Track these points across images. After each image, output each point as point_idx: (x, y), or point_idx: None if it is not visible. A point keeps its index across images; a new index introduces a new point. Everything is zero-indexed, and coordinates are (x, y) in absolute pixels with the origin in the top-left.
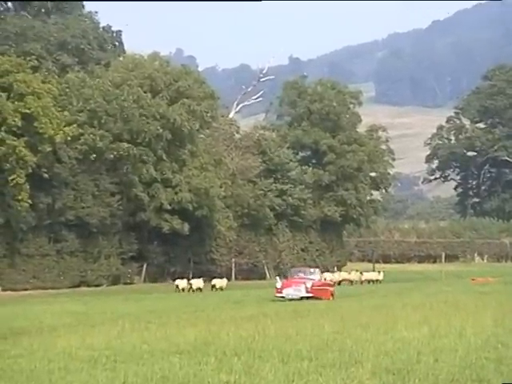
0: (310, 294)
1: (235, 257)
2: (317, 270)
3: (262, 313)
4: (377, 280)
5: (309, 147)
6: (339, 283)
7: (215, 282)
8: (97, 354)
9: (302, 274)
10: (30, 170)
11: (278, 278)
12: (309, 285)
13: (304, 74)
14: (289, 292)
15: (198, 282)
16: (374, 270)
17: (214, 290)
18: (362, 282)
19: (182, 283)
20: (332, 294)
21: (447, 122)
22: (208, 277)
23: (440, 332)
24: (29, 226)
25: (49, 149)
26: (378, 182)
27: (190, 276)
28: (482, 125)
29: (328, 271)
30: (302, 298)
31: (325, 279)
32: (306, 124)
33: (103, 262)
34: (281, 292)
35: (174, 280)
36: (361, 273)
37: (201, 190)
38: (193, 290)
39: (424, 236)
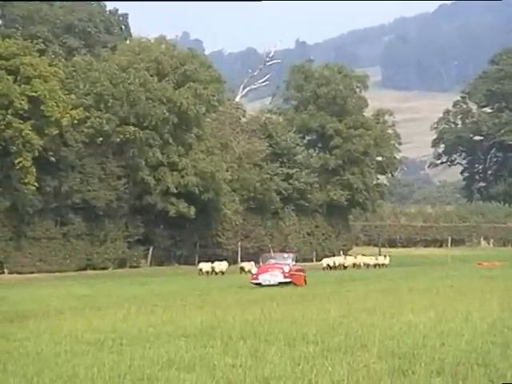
0: (288, 280)
1: (241, 240)
2: (291, 254)
3: (267, 296)
4: (383, 264)
5: (315, 131)
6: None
7: (244, 264)
8: (103, 337)
9: (274, 260)
10: (37, 153)
11: (253, 263)
12: (286, 269)
13: (310, 58)
14: (265, 278)
15: (221, 265)
16: (380, 255)
17: (242, 272)
18: (368, 266)
19: (205, 266)
20: (305, 280)
21: (454, 106)
22: (214, 260)
23: (446, 316)
24: (35, 209)
25: (55, 132)
26: (385, 166)
27: (197, 260)
28: (488, 109)
29: (334, 255)
30: (279, 284)
31: (330, 263)
32: (313, 108)
33: (109, 245)
34: (257, 278)
35: (179, 263)
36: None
37: (207, 174)
38: (216, 273)
39: (430, 220)
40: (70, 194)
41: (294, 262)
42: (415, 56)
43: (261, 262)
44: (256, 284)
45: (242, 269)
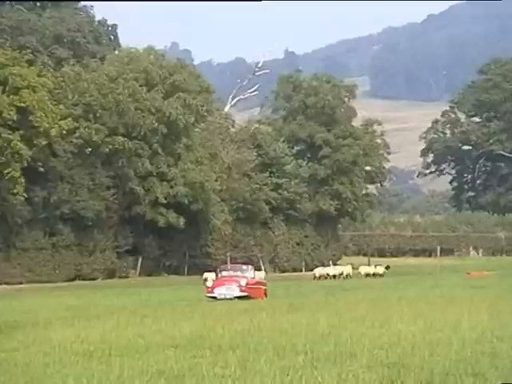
0: (245, 294)
1: (230, 250)
2: (250, 266)
3: (257, 306)
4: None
5: (304, 141)
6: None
7: (208, 275)
8: (92, 348)
9: (232, 272)
10: (26, 164)
11: (206, 276)
12: (243, 283)
13: (299, 68)
14: (221, 291)
15: None
16: (369, 265)
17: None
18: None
19: (210, 276)
20: (265, 293)
21: (442, 115)
22: (202, 271)
23: (435, 326)
24: (24, 219)
25: (44, 142)
26: (374, 175)
27: (186, 270)
28: (477, 119)
29: (323, 265)
30: (235, 298)
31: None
32: (302, 118)
33: (98, 255)
34: (212, 292)
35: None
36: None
37: (196, 184)
38: None
39: (419, 230)
40: (58, 204)
41: (253, 275)
42: (404, 66)
43: (218, 274)
44: (211, 298)
45: (206, 280)
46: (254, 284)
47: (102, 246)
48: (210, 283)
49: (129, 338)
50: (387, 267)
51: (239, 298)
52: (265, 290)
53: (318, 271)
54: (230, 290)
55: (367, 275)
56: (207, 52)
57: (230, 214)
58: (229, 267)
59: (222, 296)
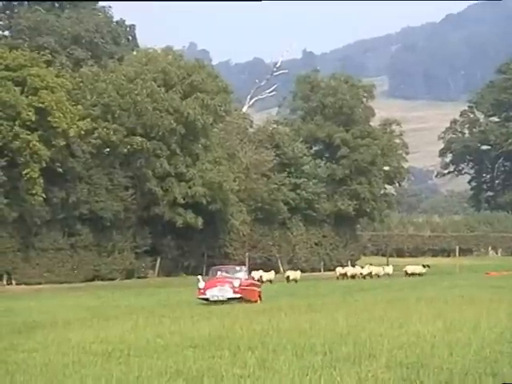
0: (238, 295)
1: (249, 251)
2: (243, 267)
3: (275, 306)
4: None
5: (322, 141)
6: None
7: (289, 273)
8: (111, 348)
9: (224, 273)
10: (44, 165)
11: (200, 277)
12: (236, 284)
13: (317, 68)
14: (213, 293)
15: (268, 275)
16: (387, 265)
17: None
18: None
19: (254, 275)
20: (260, 296)
21: (461, 115)
22: None
23: (454, 326)
24: (43, 220)
25: (62, 143)
26: (392, 175)
27: (204, 270)
28: (495, 118)
29: (342, 265)
30: (228, 300)
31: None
32: (320, 118)
33: (117, 256)
34: (204, 293)
35: (187, 274)
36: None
37: (214, 184)
38: (263, 282)
39: (438, 230)
40: (77, 204)
41: (246, 276)
42: (422, 65)
43: (210, 275)
44: (203, 299)
45: (288, 278)
46: (247, 285)
47: (120, 247)
48: (201, 284)
49: (147, 339)
50: (427, 266)
51: (232, 299)
52: (259, 291)
53: (350, 270)
54: (222, 292)
55: (412, 274)
56: (225, 52)
57: (249, 214)
58: (220, 268)
59: (215, 298)
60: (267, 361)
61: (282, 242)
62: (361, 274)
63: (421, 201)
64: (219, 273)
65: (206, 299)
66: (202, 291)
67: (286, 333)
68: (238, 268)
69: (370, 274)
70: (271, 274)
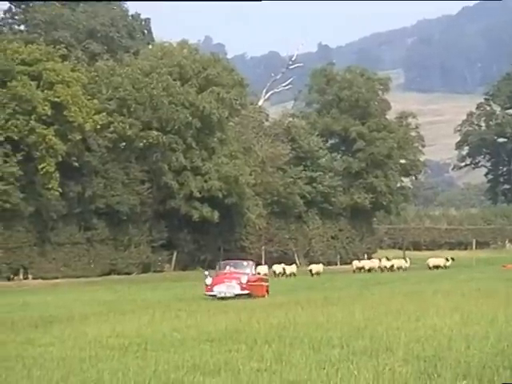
0: (246, 291)
1: (265, 244)
2: (250, 262)
3: (292, 300)
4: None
5: (338, 134)
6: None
7: (312, 266)
8: (127, 342)
9: (232, 268)
10: (60, 159)
11: (207, 273)
12: (244, 280)
13: (332, 61)
14: (221, 289)
15: (291, 268)
16: (404, 258)
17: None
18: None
19: (278, 268)
20: (267, 291)
21: (477, 108)
22: None
23: (471, 319)
24: (59, 214)
25: (78, 137)
26: (408, 168)
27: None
28: None
29: (358, 258)
30: (236, 296)
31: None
32: (335, 111)
33: (133, 250)
34: (211, 290)
35: (203, 268)
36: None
37: (230, 178)
38: (287, 275)
39: (455, 223)
40: (93, 199)
41: (253, 271)
42: (438, 58)
43: (217, 269)
44: (211, 296)
45: (311, 271)
46: (255, 281)
47: (136, 241)
48: (209, 281)
49: (164, 333)
50: (451, 259)
51: (240, 295)
52: (267, 286)
53: (369, 263)
54: (230, 288)
55: (435, 267)
56: (241, 46)
57: (265, 207)
58: (227, 263)
59: (222, 294)
60: (284, 354)
61: (298, 235)
62: (384, 267)
63: (437, 194)
64: (227, 267)
65: (214, 295)
66: (209, 287)
67: (302, 326)
68: (245, 263)
69: (391, 268)
70: (293, 268)
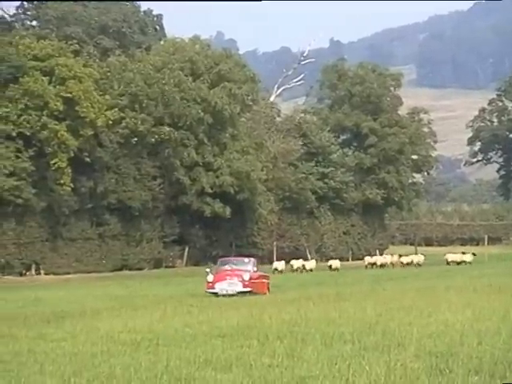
0: (248, 289)
1: (277, 240)
2: (251, 259)
3: (304, 296)
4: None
5: (350, 130)
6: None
7: (331, 262)
8: (139, 338)
9: (233, 266)
10: (72, 154)
11: (208, 270)
12: (246, 277)
13: (344, 57)
14: (223, 287)
15: (310, 264)
16: (416, 253)
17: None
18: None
19: (296, 263)
20: (268, 288)
21: (489, 104)
22: None
23: (483, 315)
24: (71, 209)
25: (90, 133)
26: (420, 164)
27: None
28: None
29: (370, 254)
30: (238, 293)
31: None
32: (347, 107)
33: (145, 245)
34: (213, 287)
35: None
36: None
37: (242, 174)
38: (305, 271)
39: (467, 219)
40: (105, 194)
41: (255, 268)
42: (450, 54)
43: (218, 266)
44: (212, 293)
45: (330, 267)
46: (256, 278)
47: (148, 236)
48: (210, 278)
49: (176, 328)
50: (473, 254)
51: (242, 293)
52: (268, 283)
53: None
54: (232, 286)
55: (459, 263)
56: (252, 41)
57: (276, 203)
58: (228, 260)
59: (224, 292)
60: (296, 350)
61: (310, 231)
62: (401, 262)
63: (449, 189)
64: (227, 265)
65: (215, 293)
66: (210, 285)
67: (314, 322)
68: (246, 260)
69: (411, 263)
70: (312, 263)
